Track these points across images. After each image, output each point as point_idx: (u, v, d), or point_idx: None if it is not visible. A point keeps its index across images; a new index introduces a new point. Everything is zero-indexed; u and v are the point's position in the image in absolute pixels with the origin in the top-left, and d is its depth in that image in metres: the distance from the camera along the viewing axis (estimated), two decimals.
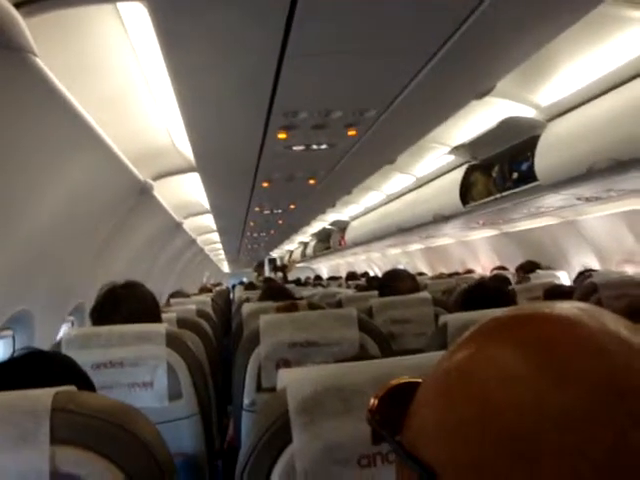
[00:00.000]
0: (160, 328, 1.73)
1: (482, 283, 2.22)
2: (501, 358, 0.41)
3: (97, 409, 0.85)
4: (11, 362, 0.99)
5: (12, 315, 2.18)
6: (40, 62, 1.35)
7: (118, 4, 1.51)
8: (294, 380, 0.94)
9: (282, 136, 2.52)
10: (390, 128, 2.48)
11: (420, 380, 0.49)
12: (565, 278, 5.12)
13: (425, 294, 2.88)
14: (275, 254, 16.17)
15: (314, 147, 2.78)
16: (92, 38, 1.70)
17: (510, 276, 4.74)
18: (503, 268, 5.70)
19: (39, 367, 1.00)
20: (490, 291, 2.05)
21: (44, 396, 0.81)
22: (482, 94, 2.18)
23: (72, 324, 3.13)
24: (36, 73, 1.39)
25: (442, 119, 2.54)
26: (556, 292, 2.88)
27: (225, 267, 17.56)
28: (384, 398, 0.51)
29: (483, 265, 6.90)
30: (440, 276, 5.98)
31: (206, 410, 1.85)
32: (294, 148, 2.78)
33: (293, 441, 0.86)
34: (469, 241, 7.10)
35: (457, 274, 6.04)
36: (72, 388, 0.88)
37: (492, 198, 4.16)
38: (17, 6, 1.17)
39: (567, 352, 0.38)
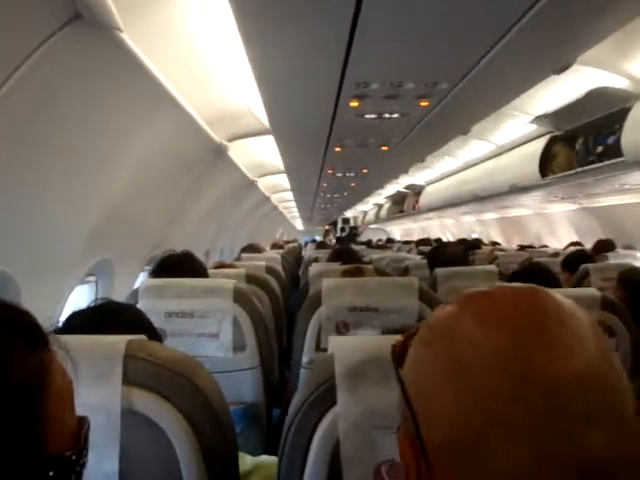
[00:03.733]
0: (228, 284, 1.82)
1: (533, 265, 2.23)
2: (460, 322, 0.55)
3: (164, 358, 0.93)
4: (88, 310, 1.10)
5: (95, 263, 2.36)
6: (125, 37, 1.44)
7: None
8: (342, 347, 0.99)
9: (354, 104, 2.52)
10: (463, 100, 2.43)
11: None
12: None
13: (492, 267, 2.87)
14: (349, 214, 16.19)
15: (386, 116, 2.76)
16: (173, 8, 1.77)
17: None
18: (578, 244, 5.50)
19: (112, 316, 1.10)
20: (538, 274, 2.07)
21: (119, 342, 0.90)
22: (561, 69, 2.09)
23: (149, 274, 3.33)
24: (122, 47, 1.49)
25: (517, 94, 2.46)
26: (633, 274, 2.77)
27: (299, 224, 17.75)
28: (407, 339, 0.62)
29: (560, 240, 6.67)
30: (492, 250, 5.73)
31: (267, 363, 1.93)
32: (366, 116, 2.77)
33: (337, 403, 0.92)
34: (546, 214, 6.86)
35: (531, 247, 5.89)
36: (143, 337, 0.97)
37: (573, 172, 4.00)
38: None
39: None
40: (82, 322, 1.06)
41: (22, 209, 1.64)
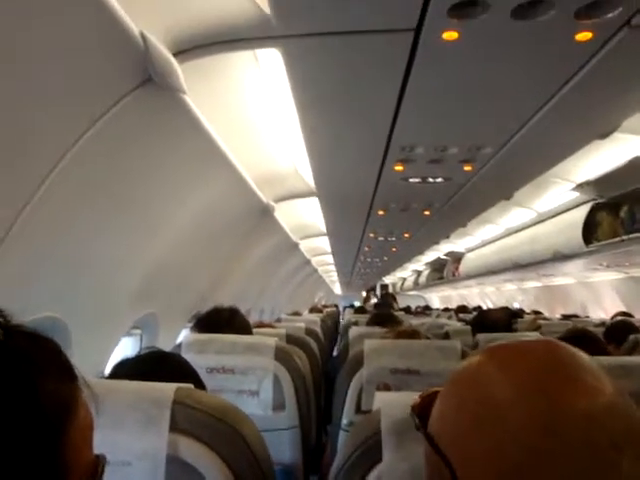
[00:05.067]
0: (270, 341, 1.81)
1: (579, 331, 2.19)
2: (484, 369, 0.59)
3: (211, 407, 0.94)
4: (138, 358, 1.13)
5: (142, 316, 2.40)
6: (188, 99, 1.56)
7: (256, 50, 1.69)
8: (389, 403, 0.98)
9: (399, 168, 2.58)
10: (506, 165, 2.46)
11: None
12: None
13: (535, 334, 2.83)
14: (388, 280, 16.08)
15: (430, 180, 2.81)
16: (231, 74, 1.89)
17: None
18: (627, 314, 5.31)
19: (159, 364, 1.12)
20: (584, 340, 2.03)
21: (167, 389, 0.92)
22: (604, 135, 2.12)
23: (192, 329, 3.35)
24: (183, 107, 1.60)
25: (560, 159, 2.49)
26: None
27: (337, 289, 17.70)
28: (426, 398, 0.66)
29: (606, 310, 6.46)
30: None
31: (306, 424, 1.90)
32: (410, 180, 2.83)
33: (383, 460, 0.90)
34: (591, 283, 6.69)
35: (575, 317, 5.72)
36: (190, 386, 0.99)
37: (618, 239, 3.94)
38: (175, 54, 1.39)
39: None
40: (130, 369, 1.09)
41: (78, 260, 1.71)
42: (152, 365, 1.11)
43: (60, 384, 0.55)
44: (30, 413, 0.50)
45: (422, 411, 0.65)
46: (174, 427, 0.90)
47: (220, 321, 1.94)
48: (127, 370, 1.09)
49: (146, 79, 1.33)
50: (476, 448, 0.54)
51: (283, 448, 1.81)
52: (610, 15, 1.28)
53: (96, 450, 0.77)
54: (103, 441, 0.86)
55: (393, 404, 0.97)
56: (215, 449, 0.91)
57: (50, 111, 1.23)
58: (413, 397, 1.00)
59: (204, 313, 1.98)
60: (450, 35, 1.38)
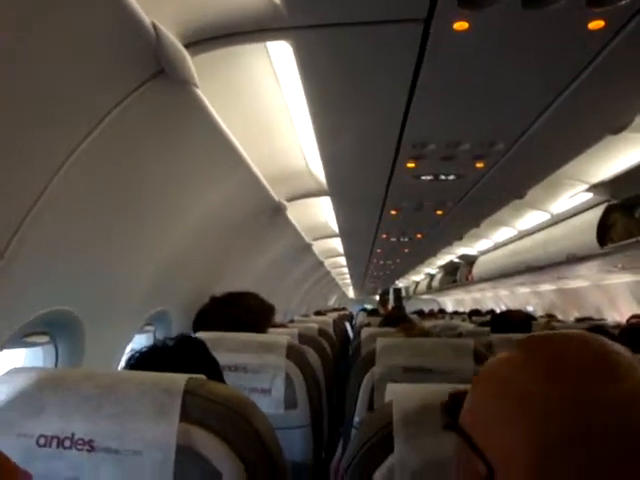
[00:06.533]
0: (282, 340, 1.82)
1: (596, 328, 2.18)
2: (512, 362, 0.61)
3: (223, 397, 0.94)
4: (166, 346, 1.16)
5: (154, 313, 2.42)
6: (199, 92, 1.56)
7: (267, 42, 1.69)
8: (401, 393, 0.98)
9: (411, 165, 2.58)
10: (519, 162, 2.45)
11: None
12: None
13: None
14: (401, 284, 16.03)
15: (442, 177, 2.81)
16: (242, 70, 1.89)
17: None
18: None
19: (189, 351, 1.17)
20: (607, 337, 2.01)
21: (179, 379, 0.92)
22: (618, 129, 2.10)
23: None
24: (195, 101, 1.61)
25: (574, 155, 2.47)
26: None
27: (350, 293, 17.70)
28: (455, 396, 0.67)
29: (621, 312, 6.40)
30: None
31: (318, 423, 1.89)
32: (422, 178, 2.83)
33: (394, 451, 0.90)
34: (606, 285, 6.62)
35: (590, 319, 5.68)
36: (202, 376, 0.98)
37: (633, 240, 3.90)
38: (187, 46, 1.40)
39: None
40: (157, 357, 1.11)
41: (90, 254, 1.72)
42: (181, 352, 1.14)
43: None
44: None
45: (451, 409, 0.67)
46: (185, 417, 0.89)
47: (211, 315, 1.96)
48: (146, 358, 1.11)
49: (158, 71, 1.34)
50: (508, 442, 0.54)
51: (294, 446, 1.80)
52: (623, 2, 1.28)
53: (108, 437, 0.76)
54: (115, 429, 0.87)
55: (406, 395, 0.97)
56: (227, 440, 0.90)
57: (61, 104, 1.23)
58: (426, 390, 1.00)
59: (198, 311, 1.98)
60: (461, 25, 1.38)
